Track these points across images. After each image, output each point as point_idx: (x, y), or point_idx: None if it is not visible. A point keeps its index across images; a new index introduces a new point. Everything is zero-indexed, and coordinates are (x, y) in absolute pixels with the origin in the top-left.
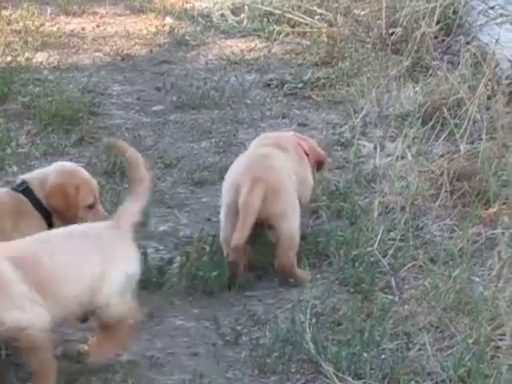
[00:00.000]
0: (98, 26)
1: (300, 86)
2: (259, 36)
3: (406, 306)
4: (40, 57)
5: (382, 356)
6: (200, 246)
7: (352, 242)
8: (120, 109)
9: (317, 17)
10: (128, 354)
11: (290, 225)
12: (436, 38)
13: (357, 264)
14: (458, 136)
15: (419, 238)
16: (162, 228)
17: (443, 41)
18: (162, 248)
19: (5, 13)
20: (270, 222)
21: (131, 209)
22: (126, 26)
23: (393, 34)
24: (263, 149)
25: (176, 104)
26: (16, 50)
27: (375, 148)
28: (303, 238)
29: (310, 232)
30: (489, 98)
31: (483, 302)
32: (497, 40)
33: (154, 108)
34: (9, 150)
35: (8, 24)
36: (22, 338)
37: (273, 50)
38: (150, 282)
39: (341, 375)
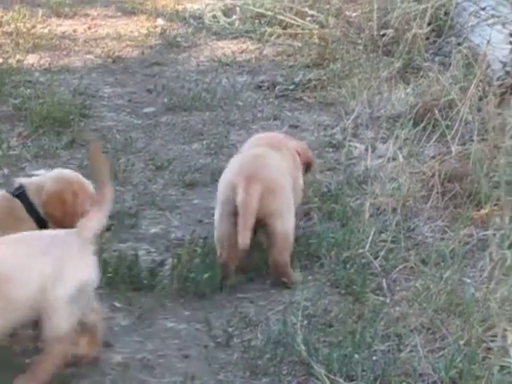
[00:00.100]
0: (89, 28)
1: (291, 87)
2: (251, 37)
3: (398, 308)
4: (31, 59)
5: (374, 357)
6: (191, 248)
7: (343, 244)
8: (111, 111)
9: (308, 18)
10: (119, 356)
11: (285, 224)
12: (427, 39)
13: (348, 266)
14: (449, 137)
15: (411, 240)
16: (153, 230)
17: (434, 42)
18: (153, 250)
19: None
20: (265, 221)
21: (94, 217)
22: (118, 27)
23: (384, 35)
24: (258, 149)
25: (167, 106)
26: (7, 51)
27: (366, 149)
28: (294, 239)
29: (302, 234)
30: (480, 99)
31: (474, 303)
32: (488, 41)
33: (146, 110)
34: (0, 153)
35: None
36: None
37: (264, 52)
38: (141, 284)
39: (332, 377)
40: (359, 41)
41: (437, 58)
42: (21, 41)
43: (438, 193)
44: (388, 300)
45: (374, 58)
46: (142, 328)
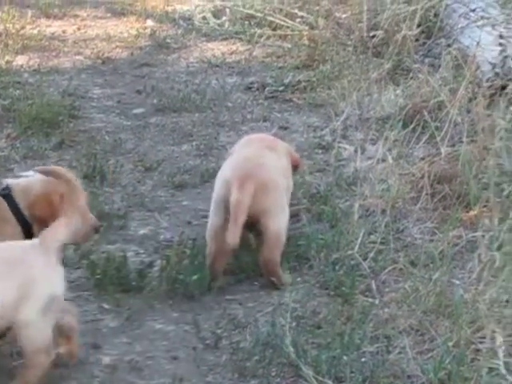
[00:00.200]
0: (78, 29)
1: (281, 89)
2: (240, 39)
3: (387, 309)
4: (20, 60)
5: (362, 359)
6: (180, 249)
7: (332, 245)
8: (100, 112)
9: (298, 20)
10: (107, 358)
11: (277, 223)
12: (417, 40)
13: (337, 267)
14: (438, 139)
15: (400, 241)
16: (142, 231)
17: (424, 43)
18: (142, 251)
19: None
20: (258, 219)
21: (59, 227)
22: (107, 28)
23: (374, 36)
24: (254, 148)
25: (157, 107)
26: None
27: (356, 151)
28: None
29: (291, 235)
30: (470, 100)
31: (463, 304)
32: (478, 43)
33: (135, 111)
34: None
35: None
36: None
37: (254, 53)
38: (129, 286)
39: (321, 379)
40: (349, 42)
41: (426, 60)
42: (10, 42)
43: (427, 194)
44: (377, 301)
45: (364, 60)
46: (130, 329)
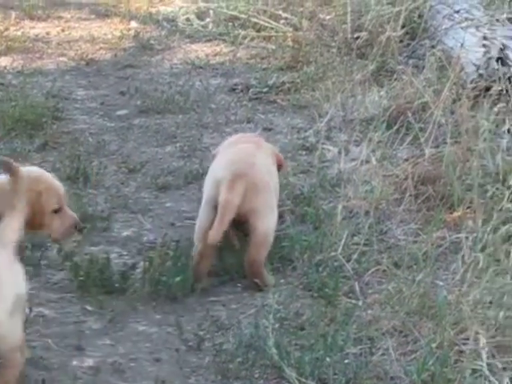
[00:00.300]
0: (62, 31)
1: (265, 90)
2: (224, 40)
3: (370, 311)
4: (4, 61)
5: (346, 361)
6: (163, 251)
7: (316, 247)
8: (84, 113)
9: (282, 21)
10: (90, 360)
11: (266, 224)
12: (401, 42)
13: (321, 269)
14: (422, 140)
15: (383, 243)
16: (125, 233)
17: (408, 45)
18: (125, 253)
19: None
20: (246, 218)
21: (13, 225)
22: (91, 30)
23: (358, 38)
24: (244, 146)
25: (140, 108)
26: None
27: (340, 152)
28: None
29: (275, 236)
30: (454, 101)
31: (447, 306)
32: (462, 44)
33: (118, 112)
34: None
35: None
36: None
37: (238, 55)
38: (112, 288)
39: (304, 380)
40: (333, 43)
41: (410, 61)
42: None
43: (410, 195)
44: (360, 303)
45: (348, 61)
46: (113, 331)
